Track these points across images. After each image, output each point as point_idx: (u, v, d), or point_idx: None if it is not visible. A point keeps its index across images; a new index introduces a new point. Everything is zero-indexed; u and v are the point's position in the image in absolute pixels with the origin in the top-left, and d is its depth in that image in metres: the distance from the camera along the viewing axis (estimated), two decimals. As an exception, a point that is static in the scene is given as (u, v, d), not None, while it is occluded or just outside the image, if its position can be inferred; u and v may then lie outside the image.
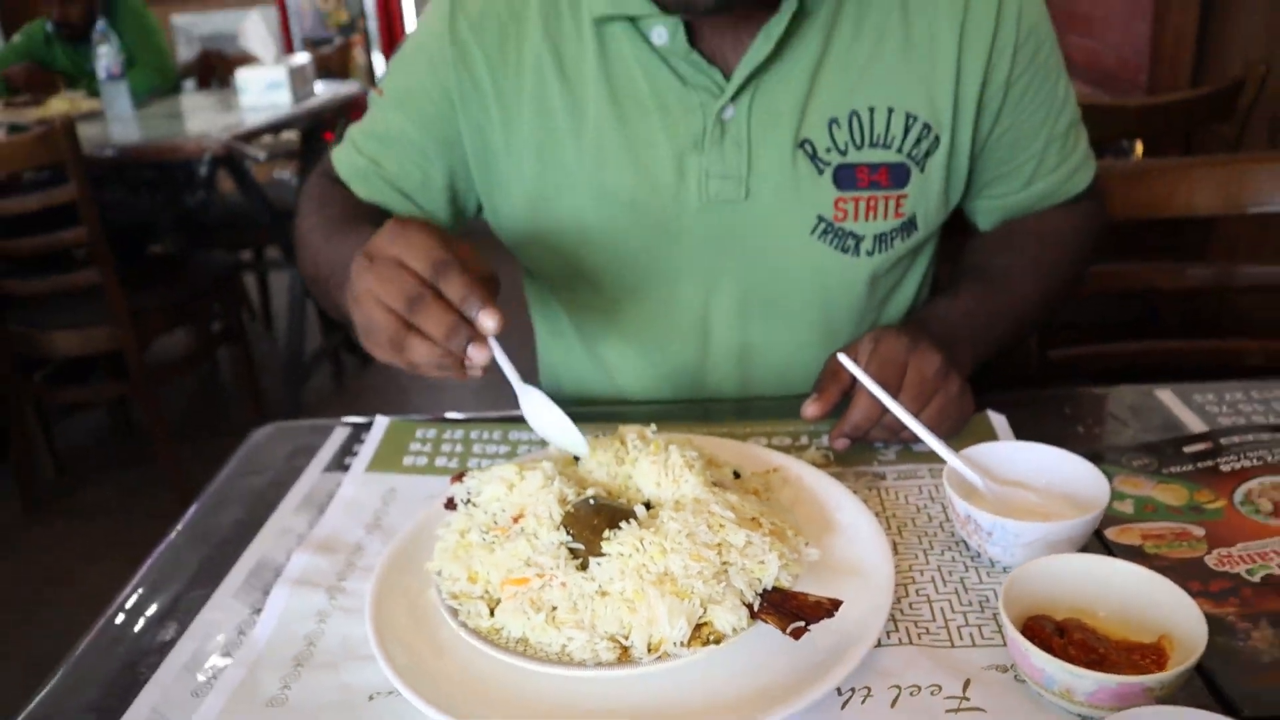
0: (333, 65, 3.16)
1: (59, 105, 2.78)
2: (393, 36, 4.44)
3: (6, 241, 2.13)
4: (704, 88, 0.81)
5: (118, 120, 2.65)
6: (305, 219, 0.92)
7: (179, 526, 0.75)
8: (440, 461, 0.81)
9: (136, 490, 2.47)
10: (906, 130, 0.83)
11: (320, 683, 0.57)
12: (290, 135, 2.90)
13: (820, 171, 0.82)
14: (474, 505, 0.65)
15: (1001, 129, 0.87)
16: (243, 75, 2.59)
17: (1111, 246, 1.01)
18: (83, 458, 2.66)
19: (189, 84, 3.33)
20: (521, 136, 0.85)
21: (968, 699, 0.53)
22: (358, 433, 0.86)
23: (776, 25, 0.78)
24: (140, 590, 0.68)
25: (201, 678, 0.58)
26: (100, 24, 2.68)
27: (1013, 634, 0.52)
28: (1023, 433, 0.78)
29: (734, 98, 0.80)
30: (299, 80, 2.66)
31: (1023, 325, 0.91)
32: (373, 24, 4.44)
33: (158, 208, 2.70)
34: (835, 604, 0.55)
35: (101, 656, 0.62)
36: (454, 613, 0.58)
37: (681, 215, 0.84)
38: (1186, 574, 0.61)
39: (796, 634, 0.53)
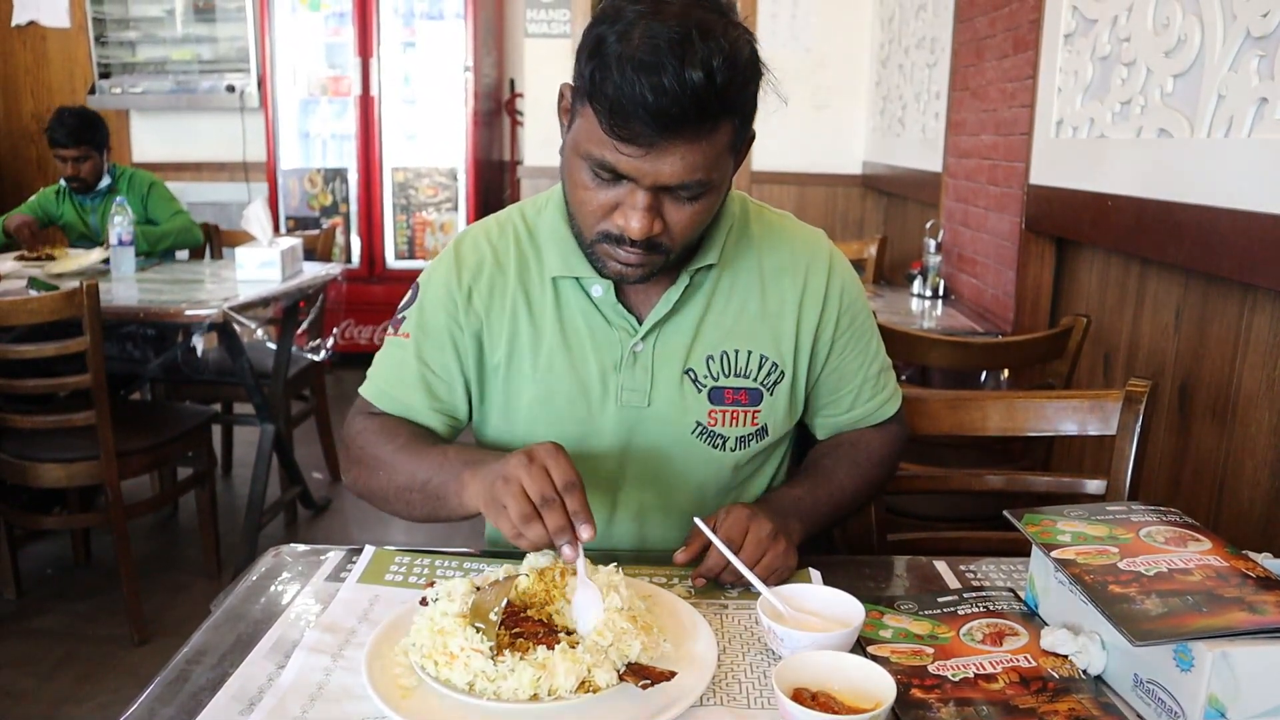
0: (317, 247, 3.55)
1: (68, 263, 3.11)
2: (371, 222, 4.90)
3: (13, 381, 2.41)
4: (623, 329, 1.16)
5: (121, 281, 2.98)
6: (379, 448, 1.15)
7: (218, 612, 1.03)
8: (412, 579, 1.10)
9: (91, 618, 2.64)
10: (760, 366, 1.19)
11: (328, 711, 0.85)
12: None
13: (699, 391, 1.18)
14: (438, 603, 0.95)
15: (828, 370, 1.23)
16: (242, 253, 2.94)
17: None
18: (43, 583, 2.83)
19: (183, 254, 3.68)
20: (499, 352, 1.18)
21: (751, 736, 0.83)
22: (350, 556, 1.16)
23: (674, 292, 1.15)
24: (193, 649, 0.95)
25: (246, 703, 0.86)
26: (119, 198, 3.06)
27: (777, 693, 0.82)
28: (832, 583, 1.10)
29: (644, 337, 1.16)
30: (289, 260, 3.03)
31: (841, 509, 1.24)
32: (354, 209, 4.90)
33: (147, 359, 3.00)
34: (672, 674, 0.85)
35: (170, 687, 0.89)
36: (423, 668, 0.87)
37: (603, 415, 1.18)
38: (911, 673, 0.92)
39: (644, 688, 0.83)
